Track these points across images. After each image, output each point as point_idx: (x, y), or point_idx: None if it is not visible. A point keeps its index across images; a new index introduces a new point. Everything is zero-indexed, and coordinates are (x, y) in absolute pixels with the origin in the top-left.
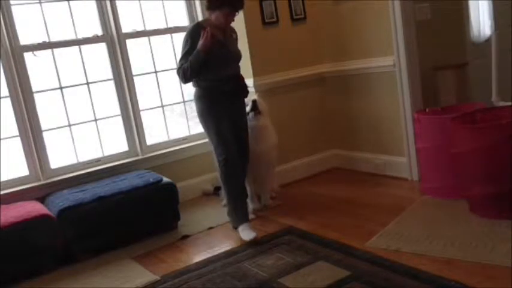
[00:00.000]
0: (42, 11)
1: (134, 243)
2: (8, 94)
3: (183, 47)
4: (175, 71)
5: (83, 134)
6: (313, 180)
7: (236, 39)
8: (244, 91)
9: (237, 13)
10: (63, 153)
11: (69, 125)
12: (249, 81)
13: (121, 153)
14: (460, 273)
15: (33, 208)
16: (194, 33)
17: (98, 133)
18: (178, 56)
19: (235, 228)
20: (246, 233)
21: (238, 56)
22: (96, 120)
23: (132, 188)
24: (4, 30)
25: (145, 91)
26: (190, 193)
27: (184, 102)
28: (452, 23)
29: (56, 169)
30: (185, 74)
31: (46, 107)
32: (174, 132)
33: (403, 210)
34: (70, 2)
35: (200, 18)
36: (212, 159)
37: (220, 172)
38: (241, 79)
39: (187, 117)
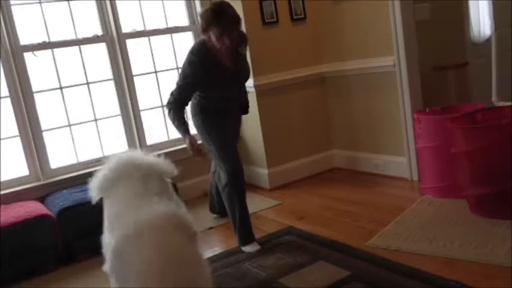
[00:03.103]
0: (42, 11)
1: None
2: (8, 94)
3: (184, 71)
4: (176, 70)
5: (83, 134)
6: (313, 180)
7: (245, 51)
8: (246, 109)
9: (232, 34)
10: (63, 153)
11: (69, 125)
12: (249, 81)
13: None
14: (460, 273)
15: (33, 208)
16: (201, 63)
17: (98, 133)
18: (179, 56)
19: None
20: (250, 248)
21: (245, 79)
22: (96, 120)
23: None
24: (4, 30)
25: (145, 91)
26: (190, 193)
27: None
28: (452, 23)
29: (56, 169)
30: (171, 119)
31: (46, 107)
32: (174, 132)
33: (403, 210)
34: (70, 2)
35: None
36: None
37: (225, 186)
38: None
39: (187, 117)
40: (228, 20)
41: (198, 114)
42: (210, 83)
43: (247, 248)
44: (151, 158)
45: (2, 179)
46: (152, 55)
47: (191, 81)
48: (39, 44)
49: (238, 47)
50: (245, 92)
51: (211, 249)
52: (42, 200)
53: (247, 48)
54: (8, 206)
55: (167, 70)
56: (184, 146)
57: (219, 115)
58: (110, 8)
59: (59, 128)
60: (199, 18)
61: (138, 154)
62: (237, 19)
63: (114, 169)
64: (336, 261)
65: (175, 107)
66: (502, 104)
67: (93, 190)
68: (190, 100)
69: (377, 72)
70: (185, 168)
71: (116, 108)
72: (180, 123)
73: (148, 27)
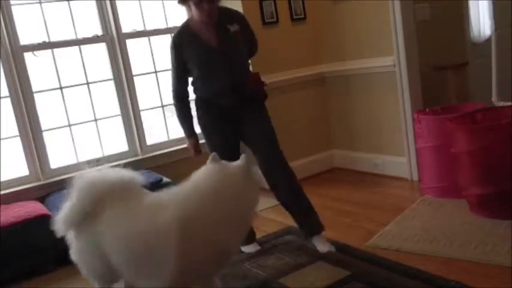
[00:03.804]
0: (42, 11)
1: None
2: (8, 94)
3: (170, 61)
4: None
5: (83, 134)
6: (313, 180)
7: (237, 31)
8: (258, 96)
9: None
10: (63, 153)
11: (69, 125)
12: None
13: (121, 153)
14: (459, 273)
15: (33, 208)
16: (176, 44)
17: (98, 133)
18: None
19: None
20: (250, 248)
21: (235, 59)
22: (96, 120)
23: None
24: (4, 30)
25: (145, 91)
26: None
27: None
28: (452, 23)
29: (56, 169)
30: (175, 108)
31: (46, 107)
32: (174, 132)
33: (403, 210)
34: (70, 2)
35: None
36: None
37: None
38: (249, 84)
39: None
40: None
41: (196, 109)
42: (192, 63)
43: (247, 249)
44: (110, 173)
45: (2, 179)
46: (152, 55)
47: (174, 64)
48: (39, 44)
49: (227, 24)
50: (257, 80)
51: None
52: (42, 200)
53: (240, 28)
54: (8, 206)
55: (167, 70)
56: (184, 146)
57: (215, 114)
58: (110, 8)
59: (59, 128)
60: None
61: (96, 175)
62: None
63: (84, 199)
64: (336, 261)
65: (174, 100)
66: (502, 104)
67: (62, 224)
68: (185, 89)
69: (377, 72)
70: (185, 168)
71: (116, 108)
72: (182, 119)
73: (148, 27)
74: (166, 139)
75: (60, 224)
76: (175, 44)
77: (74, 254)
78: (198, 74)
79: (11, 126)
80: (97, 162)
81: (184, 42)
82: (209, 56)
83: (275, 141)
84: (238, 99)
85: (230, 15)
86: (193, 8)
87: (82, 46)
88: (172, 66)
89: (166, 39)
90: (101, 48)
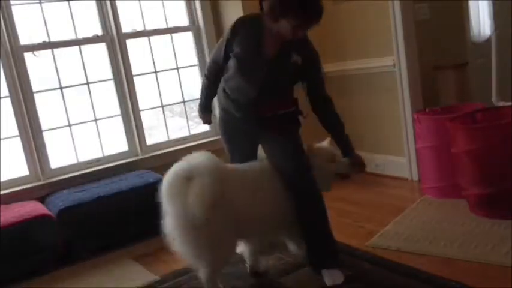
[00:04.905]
0: (42, 11)
1: (134, 243)
2: (8, 94)
3: (216, 46)
4: (176, 70)
5: (83, 134)
6: None
7: (296, 62)
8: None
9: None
10: (63, 153)
11: (69, 125)
12: None
13: (121, 153)
14: (460, 273)
15: (33, 208)
16: (235, 29)
17: (98, 133)
18: (179, 55)
19: None
20: None
21: (273, 83)
22: (96, 120)
23: (132, 188)
24: (4, 30)
25: (145, 91)
26: None
27: (184, 102)
28: (452, 23)
29: (56, 169)
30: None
31: (46, 107)
32: (174, 132)
33: (403, 210)
34: (70, 2)
35: (200, 18)
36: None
37: None
38: (267, 109)
39: (187, 117)
40: (315, 8)
41: (218, 106)
42: (236, 56)
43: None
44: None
45: (2, 179)
46: (152, 55)
47: (222, 46)
48: (39, 44)
49: (294, 50)
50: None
51: None
52: (42, 200)
53: (302, 62)
54: (8, 206)
55: (167, 70)
56: (184, 146)
57: (234, 122)
58: (110, 8)
59: (59, 128)
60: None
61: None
62: (322, 8)
63: (213, 178)
64: None
65: (205, 73)
66: (502, 104)
67: (202, 207)
68: (213, 71)
69: (377, 72)
70: None
71: (116, 108)
72: (202, 93)
73: (148, 27)
74: (166, 139)
75: (200, 207)
76: (235, 28)
77: (199, 240)
78: (234, 71)
79: (11, 126)
80: (97, 162)
81: (244, 33)
82: (256, 62)
83: (300, 165)
84: (252, 119)
85: (302, 45)
86: (284, 28)
87: (82, 46)
88: (219, 45)
89: (167, 39)
90: (101, 48)
